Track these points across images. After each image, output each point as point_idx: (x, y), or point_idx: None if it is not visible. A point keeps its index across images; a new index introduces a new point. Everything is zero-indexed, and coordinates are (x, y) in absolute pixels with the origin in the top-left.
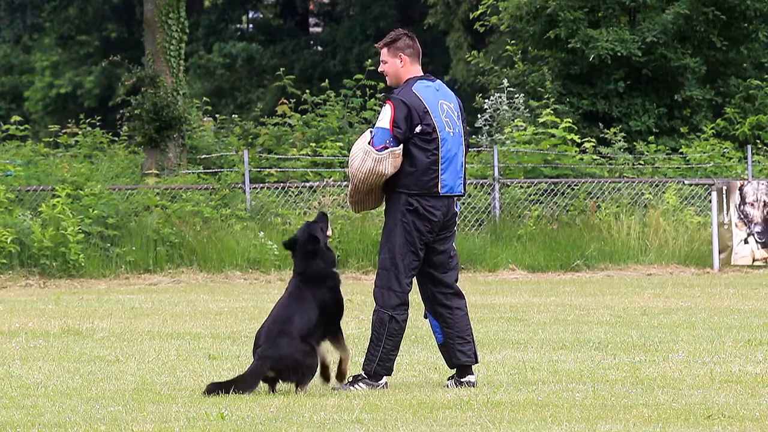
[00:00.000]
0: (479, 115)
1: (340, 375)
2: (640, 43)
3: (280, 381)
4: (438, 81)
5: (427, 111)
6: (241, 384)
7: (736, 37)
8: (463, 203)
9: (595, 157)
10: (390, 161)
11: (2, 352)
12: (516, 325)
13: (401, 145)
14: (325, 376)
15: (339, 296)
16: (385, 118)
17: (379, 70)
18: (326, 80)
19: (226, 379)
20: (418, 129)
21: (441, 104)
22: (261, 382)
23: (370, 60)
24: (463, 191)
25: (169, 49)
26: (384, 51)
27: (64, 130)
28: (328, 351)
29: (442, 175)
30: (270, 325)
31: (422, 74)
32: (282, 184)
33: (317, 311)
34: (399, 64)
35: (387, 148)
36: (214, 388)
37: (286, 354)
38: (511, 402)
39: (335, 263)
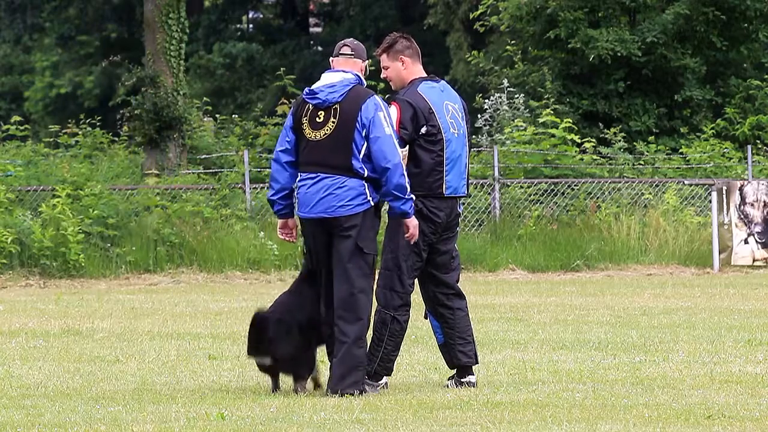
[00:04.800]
0: (479, 115)
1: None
2: (640, 43)
3: (278, 374)
4: (442, 82)
5: (433, 112)
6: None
7: (736, 37)
8: (463, 203)
9: (595, 157)
10: None
11: (2, 352)
12: (516, 325)
13: (407, 146)
14: (315, 384)
15: None
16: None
17: (382, 76)
18: None
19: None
20: (423, 130)
21: (446, 105)
22: (262, 373)
23: (370, 60)
24: (466, 192)
25: (169, 49)
26: (384, 57)
27: (64, 130)
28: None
29: (447, 176)
30: (270, 314)
31: (426, 75)
32: None
33: (316, 309)
34: (401, 66)
35: None
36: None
37: (285, 342)
38: (511, 402)
39: None
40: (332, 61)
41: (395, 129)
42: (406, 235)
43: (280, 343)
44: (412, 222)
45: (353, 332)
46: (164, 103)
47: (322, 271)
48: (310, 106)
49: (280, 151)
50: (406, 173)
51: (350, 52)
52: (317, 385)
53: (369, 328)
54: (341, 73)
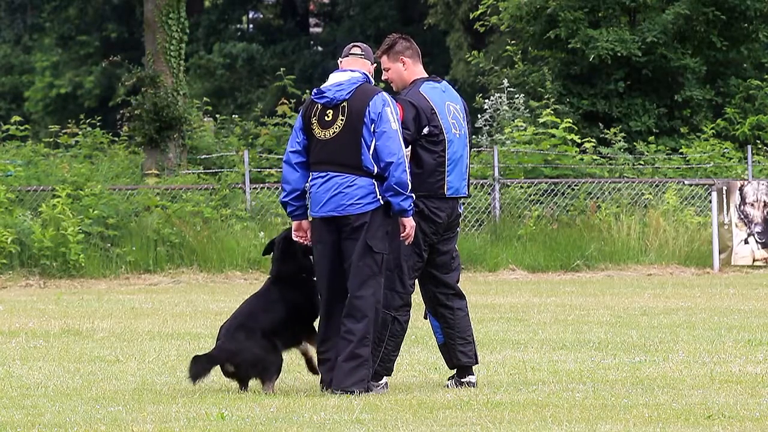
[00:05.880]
0: (479, 115)
1: (312, 370)
2: (640, 43)
3: (245, 379)
4: (444, 82)
5: (435, 112)
6: (193, 365)
7: (736, 37)
8: (464, 203)
9: (595, 157)
10: None
11: (2, 352)
12: (516, 325)
13: (409, 147)
14: (312, 368)
15: (313, 300)
16: None
17: (383, 78)
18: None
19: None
20: (425, 130)
21: (448, 106)
22: (226, 378)
23: (375, 65)
24: (467, 193)
25: (169, 50)
26: (384, 59)
27: (64, 130)
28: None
29: (448, 176)
30: (231, 320)
31: (427, 75)
32: None
33: (285, 312)
34: (402, 68)
35: None
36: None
37: (245, 347)
38: (512, 402)
39: (312, 272)
40: (341, 62)
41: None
42: (402, 235)
43: (241, 350)
44: (410, 222)
45: (359, 331)
46: (164, 103)
47: (323, 294)
48: (319, 105)
49: (291, 152)
50: (408, 170)
51: (360, 52)
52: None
53: (377, 327)
54: (349, 72)
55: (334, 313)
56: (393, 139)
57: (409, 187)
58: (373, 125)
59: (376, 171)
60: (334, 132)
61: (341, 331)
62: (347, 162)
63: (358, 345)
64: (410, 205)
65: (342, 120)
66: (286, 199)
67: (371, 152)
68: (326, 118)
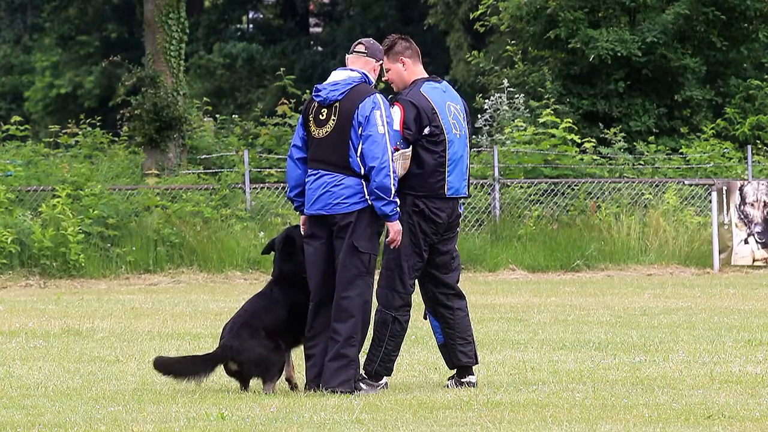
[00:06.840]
0: (479, 115)
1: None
2: (640, 44)
3: (248, 378)
4: (444, 82)
5: (435, 112)
6: (194, 365)
7: (736, 37)
8: (464, 203)
9: (595, 157)
10: (400, 163)
11: (2, 352)
12: (516, 325)
13: (411, 147)
14: (291, 385)
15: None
16: (394, 120)
17: (384, 79)
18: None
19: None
20: (426, 130)
21: (448, 106)
22: (229, 377)
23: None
24: (467, 193)
25: (169, 50)
26: (384, 60)
27: (64, 131)
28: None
29: (449, 177)
30: (234, 318)
31: (428, 75)
32: (282, 184)
33: (286, 312)
34: (401, 68)
35: (397, 150)
36: (163, 364)
37: (249, 346)
38: (512, 402)
39: None
40: (347, 58)
41: (397, 129)
42: (387, 240)
43: (245, 348)
44: (395, 227)
45: (345, 331)
46: (164, 103)
47: (313, 291)
48: (316, 103)
49: (293, 146)
50: (392, 175)
51: (363, 50)
52: (293, 386)
53: (365, 327)
54: (348, 71)
55: (322, 311)
56: (378, 143)
57: (393, 192)
58: (360, 128)
59: (363, 172)
60: (327, 131)
61: (330, 331)
62: (337, 161)
63: (344, 345)
64: (393, 210)
65: (333, 120)
66: (291, 195)
67: (359, 153)
68: (321, 116)
